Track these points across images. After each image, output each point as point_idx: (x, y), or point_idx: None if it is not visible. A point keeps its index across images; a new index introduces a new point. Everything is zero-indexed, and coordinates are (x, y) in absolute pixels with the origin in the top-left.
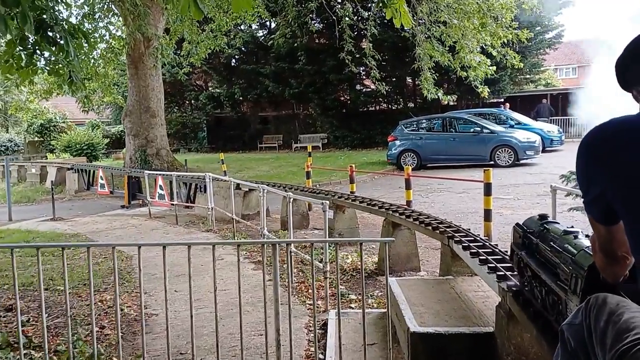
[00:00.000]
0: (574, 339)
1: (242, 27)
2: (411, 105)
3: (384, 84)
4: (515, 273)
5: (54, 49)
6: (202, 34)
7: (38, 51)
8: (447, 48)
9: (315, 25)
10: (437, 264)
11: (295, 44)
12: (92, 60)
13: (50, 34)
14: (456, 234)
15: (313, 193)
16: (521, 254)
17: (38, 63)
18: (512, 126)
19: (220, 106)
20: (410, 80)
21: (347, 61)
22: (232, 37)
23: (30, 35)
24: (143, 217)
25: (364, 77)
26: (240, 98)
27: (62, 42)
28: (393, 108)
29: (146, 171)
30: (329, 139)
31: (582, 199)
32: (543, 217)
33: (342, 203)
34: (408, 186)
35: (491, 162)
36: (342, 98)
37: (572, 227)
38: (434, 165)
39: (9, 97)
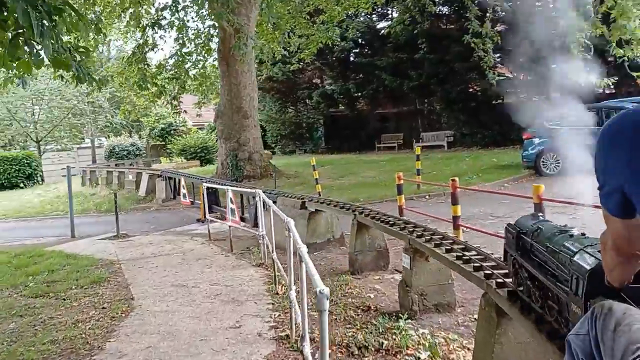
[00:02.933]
0: (581, 350)
1: (356, 17)
2: (556, 95)
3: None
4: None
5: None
6: (312, 27)
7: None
8: (599, 16)
9: (437, 7)
10: None
11: (415, 31)
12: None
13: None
14: None
15: (397, 221)
16: (515, 256)
17: (42, 53)
18: None
19: (334, 104)
20: (554, 65)
21: (474, 45)
22: (345, 28)
23: None
24: (204, 238)
25: (497, 63)
26: (356, 94)
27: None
28: (534, 99)
29: (203, 183)
30: (455, 136)
31: (598, 191)
32: (535, 216)
33: (423, 248)
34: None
35: None
36: (470, 89)
37: (566, 225)
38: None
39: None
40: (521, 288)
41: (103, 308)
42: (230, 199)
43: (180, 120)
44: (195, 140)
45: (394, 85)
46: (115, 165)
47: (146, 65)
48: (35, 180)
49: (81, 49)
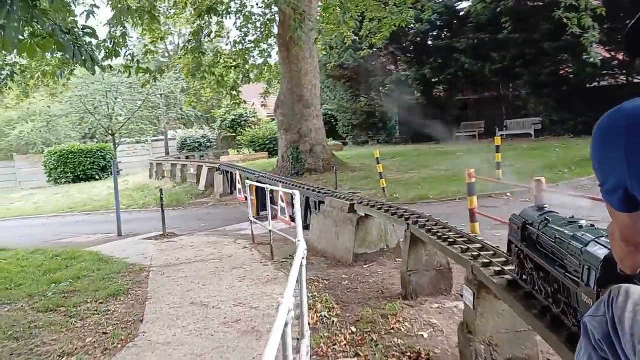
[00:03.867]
0: (598, 332)
1: None
2: None
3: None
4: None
5: None
6: (384, 10)
7: None
8: None
9: None
10: None
11: (498, 9)
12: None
13: None
14: None
15: (459, 238)
16: (521, 246)
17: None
18: None
19: (409, 91)
20: None
21: (567, 21)
22: (420, 9)
23: None
24: (248, 241)
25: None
26: (433, 80)
27: None
28: (635, 81)
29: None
30: (543, 124)
31: (600, 188)
32: (541, 207)
33: (489, 284)
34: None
35: None
36: (561, 72)
37: (573, 216)
38: None
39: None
40: (525, 278)
41: (104, 334)
42: (281, 196)
43: (251, 111)
44: (264, 131)
45: (475, 69)
46: (186, 157)
47: (201, 54)
48: (110, 173)
49: (87, 30)
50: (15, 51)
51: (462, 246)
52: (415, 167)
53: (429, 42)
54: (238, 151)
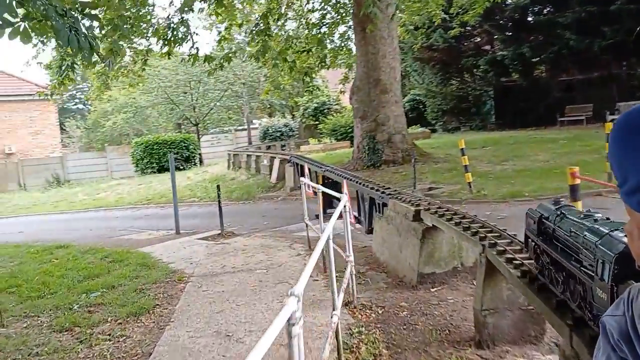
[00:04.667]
0: (617, 331)
1: None
2: None
3: None
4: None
5: None
6: None
7: None
8: None
9: None
10: None
11: None
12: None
13: None
14: None
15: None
16: (537, 241)
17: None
18: None
19: (506, 72)
20: None
21: None
22: None
23: None
24: (304, 246)
25: None
26: (533, 59)
27: None
28: None
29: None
30: None
31: (619, 187)
32: (557, 202)
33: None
34: None
35: None
36: None
37: (589, 210)
38: None
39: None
40: (544, 273)
41: None
42: (345, 191)
43: (334, 99)
44: (347, 119)
45: (582, 46)
46: (267, 147)
47: (267, 37)
48: (193, 163)
49: (87, 11)
50: (6, 35)
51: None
52: (509, 158)
53: (529, 18)
54: (319, 140)
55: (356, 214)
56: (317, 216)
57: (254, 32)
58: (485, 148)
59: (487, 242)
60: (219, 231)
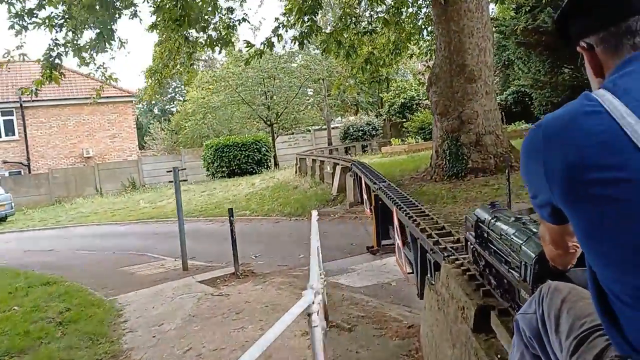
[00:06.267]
0: (528, 328)
1: None
2: None
3: None
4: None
5: None
6: None
7: None
8: None
9: None
10: None
11: None
12: None
13: None
14: None
15: None
16: (474, 244)
17: None
18: None
19: None
20: None
21: None
22: None
23: None
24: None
25: None
26: None
27: None
28: None
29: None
30: None
31: (531, 199)
32: (493, 205)
33: None
34: None
35: None
36: None
37: (521, 212)
38: None
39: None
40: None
41: None
42: (395, 227)
43: (424, 93)
44: None
45: None
46: (345, 149)
47: (314, 14)
48: (266, 166)
49: None
50: None
51: None
52: None
53: None
54: (402, 140)
55: (408, 258)
56: (368, 249)
57: (300, 8)
58: None
59: None
60: (234, 270)
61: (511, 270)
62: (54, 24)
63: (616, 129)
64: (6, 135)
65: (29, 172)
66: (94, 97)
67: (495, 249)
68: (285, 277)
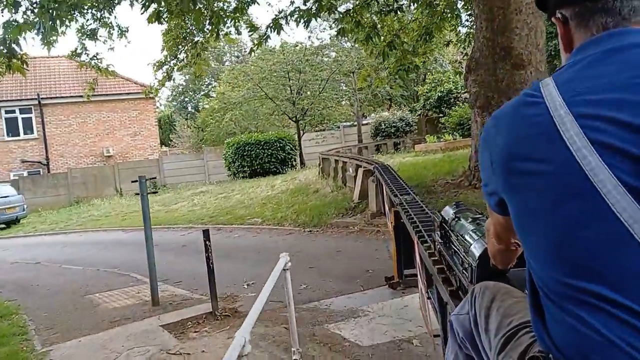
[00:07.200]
0: (461, 329)
1: None
2: None
3: None
4: None
5: None
6: None
7: None
8: None
9: None
10: None
11: None
12: None
13: None
14: None
15: None
16: (439, 244)
17: None
18: None
19: None
20: None
21: None
22: None
23: None
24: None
25: None
26: None
27: None
28: None
29: None
30: None
31: (482, 187)
32: (457, 205)
33: None
34: None
35: None
36: None
37: (482, 213)
38: None
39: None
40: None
41: None
42: (418, 263)
43: (462, 85)
44: None
45: None
46: (376, 147)
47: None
48: (291, 165)
49: None
50: None
51: None
52: None
53: None
54: (438, 137)
55: (427, 294)
56: (387, 280)
57: None
58: None
59: None
60: (212, 307)
61: (464, 271)
62: (11, 1)
63: (549, 121)
64: (24, 133)
65: (48, 172)
66: (87, 93)
67: (454, 249)
68: (272, 323)
